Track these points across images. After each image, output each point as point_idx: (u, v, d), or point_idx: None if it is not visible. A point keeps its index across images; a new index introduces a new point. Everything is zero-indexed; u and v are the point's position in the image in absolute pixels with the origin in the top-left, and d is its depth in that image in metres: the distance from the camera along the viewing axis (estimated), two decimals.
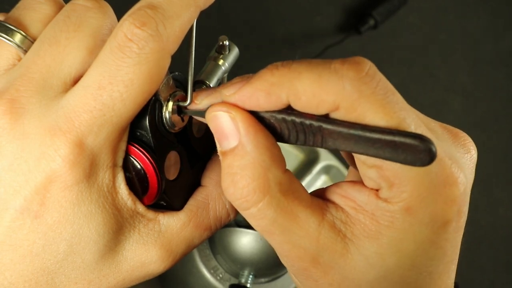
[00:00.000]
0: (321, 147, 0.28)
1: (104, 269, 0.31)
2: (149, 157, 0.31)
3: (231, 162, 0.29)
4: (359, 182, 0.30)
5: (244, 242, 0.62)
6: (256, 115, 0.29)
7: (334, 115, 0.28)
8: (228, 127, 0.29)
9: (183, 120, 0.34)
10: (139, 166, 0.31)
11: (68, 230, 0.29)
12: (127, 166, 0.31)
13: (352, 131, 0.27)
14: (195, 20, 0.31)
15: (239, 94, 0.29)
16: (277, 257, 0.32)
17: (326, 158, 0.73)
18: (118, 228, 0.31)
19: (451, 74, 0.89)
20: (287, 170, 0.30)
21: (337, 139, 0.28)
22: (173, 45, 0.29)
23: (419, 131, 0.27)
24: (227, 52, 0.37)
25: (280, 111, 0.29)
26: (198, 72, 0.36)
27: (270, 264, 0.64)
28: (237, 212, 0.35)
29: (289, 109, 0.29)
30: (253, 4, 0.86)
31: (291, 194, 0.29)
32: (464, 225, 0.30)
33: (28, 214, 0.28)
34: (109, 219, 0.30)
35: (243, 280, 0.64)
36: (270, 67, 0.28)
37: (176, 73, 0.33)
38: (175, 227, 0.33)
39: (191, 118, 0.35)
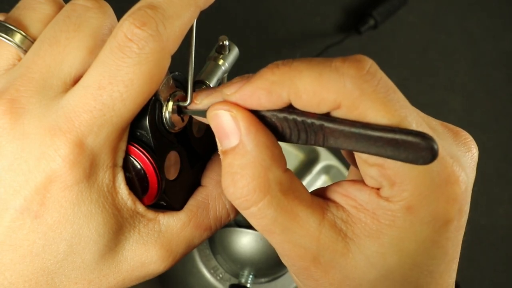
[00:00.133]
0: (323, 146, 0.28)
1: (104, 269, 0.31)
2: (149, 157, 0.31)
3: (232, 161, 0.29)
4: (360, 181, 0.30)
5: (244, 242, 0.62)
6: (257, 114, 0.29)
7: (336, 113, 0.28)
8: (229, 125, 0.29)
9: (183, 120, 0.34)
10: (139, 166, 0.31)
11: (68, 230, 0.29)
12: (127, 166, 0.31)
13: (353, 130, 0.27)
14: (195, 20, 0.31)
15: (240, 93, 0.29)
16: (277, 257, 0.32)
17: (326, 158, 0.73)
18: (118, 228, 0.31)
19: (451, 74, 0.89)
20: (287, 170, 0.30)
21: (338, 137, 0.28)
22: (173, 45, 0.29)
23: (420, 129, 0.27)
24: (227, 52, 0.37)
25: (281, 110, 0.29)
26: (198, 72, 0.36)
27: (270, 264, 0.64)
28: (237, 212, 0.35)
29: (290, 108, 0.28)
30: (253, 4, 0.86)
31: (292, 194, 0.29)
32: (465, 224, 0.30)
33: (28, 214, 0.28)
34: (109, 219, 0.30)
35: (243, 280, 0.64)
36: (271, 66, 0.28)
37: (176, 73, 0.33)
38: (175, 227, 0.33)
39: (191, 118, 0.35)
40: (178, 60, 0.32)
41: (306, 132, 0.29)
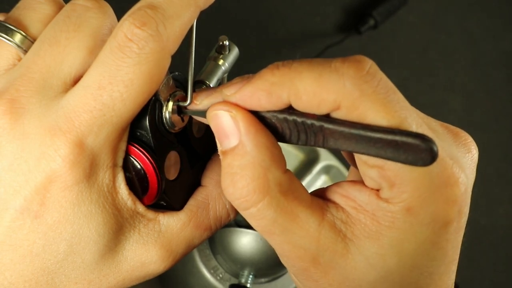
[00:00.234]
0: (323, 147, 0.28)
1: (104, 269, 0.31)
2: (149, 157, 0.31)
3: (231, 161, 0.29)
4: (360, 182, 0.30)
5: (244, 242, 0.62)
6: (257, 115, 0.29)
7: (335, 114, 0.28)
8: (228, 126, 0.29)
9: (183, 120, 0.34)
10: (139, 166, 0.31)
11: (68, 230, 0.29)
12: (127, 166, 0.31)
13: (353, 131, 0.27)
14: (195, 20, 0.31)
15: (240, 93, 0.29)
16: (277, 257, 0.32)
17: (326, 158, 0.73)
18: (118, 228, 0.31)
19: (451, 74, 0.89)
20: (287, 170, 0.30)
21: (338, 139, 0.28)
22: (173, 45, 0.29)
23: (420, 131, 0.27)
24: (227, 52, 0.37)
25: (281, 111, 0.29)
26: (198, 72, 0.36)
27: (270, 264, 0.64)
28: (237, 212, 0.35)
29: (290, 109, 0.28)
30: (253, 4, 0.86)
31: (291, 194, 0.29)
32: (465, 225, 0.30)
33: (28, 214, 0.28)
34: (109, 219, 0.30)
35: (243, 280, 0.64)
36: (271, 66, 0.28)
37: (176, 73, 0.33)
38: (175, 227, 0.33)
39: (191, 118, 0.35)
40: (178, 60, 0.32)
41: (306, 133, 0.29)
